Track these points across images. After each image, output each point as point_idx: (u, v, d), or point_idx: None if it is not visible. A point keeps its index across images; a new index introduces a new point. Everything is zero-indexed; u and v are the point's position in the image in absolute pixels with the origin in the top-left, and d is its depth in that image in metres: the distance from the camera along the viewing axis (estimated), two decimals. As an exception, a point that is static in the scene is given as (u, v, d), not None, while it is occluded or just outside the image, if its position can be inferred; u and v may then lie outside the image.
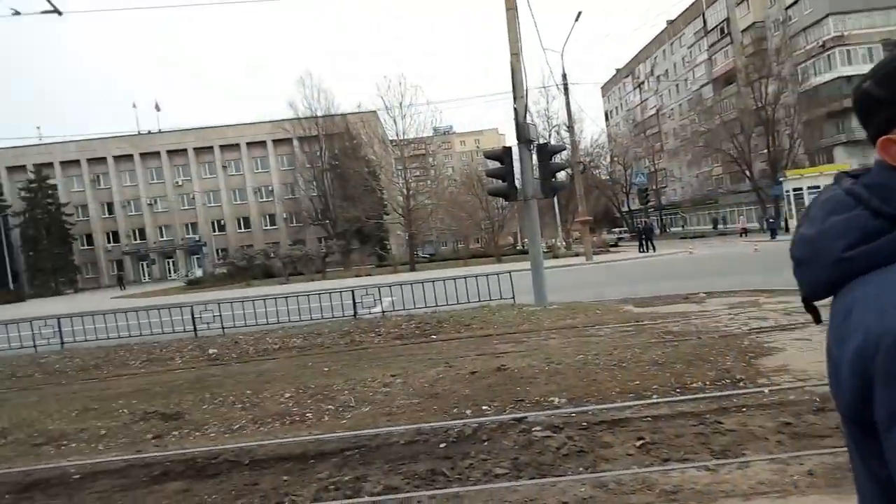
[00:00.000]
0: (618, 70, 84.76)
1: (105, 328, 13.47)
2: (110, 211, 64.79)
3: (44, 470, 4.83)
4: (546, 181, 12.86)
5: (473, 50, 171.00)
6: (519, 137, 12.65)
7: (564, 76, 31.05)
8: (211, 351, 10.74)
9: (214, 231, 64.82)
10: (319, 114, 54.23)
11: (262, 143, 63.99)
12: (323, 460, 4.49)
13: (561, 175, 14.97)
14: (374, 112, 45.42)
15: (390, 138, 43.75)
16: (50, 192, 58.68)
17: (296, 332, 11.73)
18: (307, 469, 4.34)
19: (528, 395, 5.72)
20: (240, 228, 65.16)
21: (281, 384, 7.21)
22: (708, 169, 60.20)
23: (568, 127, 34.71)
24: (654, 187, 69.42)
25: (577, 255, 35.74)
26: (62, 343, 12.97)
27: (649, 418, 4.77)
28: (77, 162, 63.41)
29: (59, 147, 60.61)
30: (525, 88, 12.72)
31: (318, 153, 54.88)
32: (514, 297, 13.12)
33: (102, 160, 63.68)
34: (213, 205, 64.86)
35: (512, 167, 12.81)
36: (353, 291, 13.68)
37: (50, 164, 61.47)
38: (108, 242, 64.80)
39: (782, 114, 44.34)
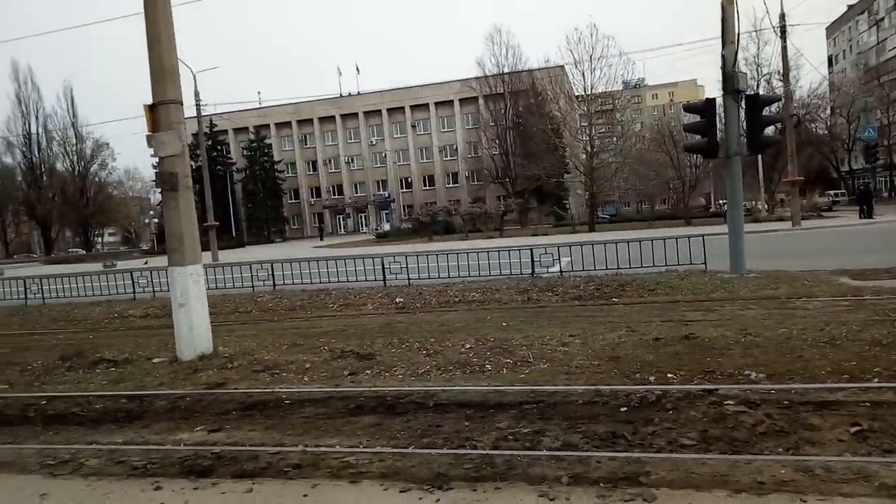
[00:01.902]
0: (850, 6, 73.05)
1: (309, 273, 15.01)
2: (314, 168, 71.47)
3: (262, 394, 5.53)
4: (754, 136, 11.66)
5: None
6: (725, 88, 11.55)
7: (783, 17, 27.44)
8: (398, 300, 11.47)
9: (402, 188, 68.67)
10: (506, 71, 54.12)
11: (450, 103, 65.84)
12: (502, 410, 4.59)
13: (770, 130, 13.40)
14: (562, 67, 44.17)
15: (577, 94, 42.37)
16: (266, 150, 66.25)
17: (475, 286, 12.06)
18: (487, 417, 4.47)
19: (719, 367, 5.31)
20: (425, 186, 68.26)
21: (462, 335, 7.48)
22: (964, 120, 50.24)
23: (782, 75, 30.82)
24: (885, 143, 59.55)
25: (780, 219, 32.21)
26: (274, 285, 14.69)
27: (868, 403, 4.17)
28: (289, 123, 70.60)
29: (275, 110, 67.78)
30: (736, 33, 11.50)
31: (503, 111, 55.11)
32: (705, 263, 12.20)
33: (309, 121, 70.18)
34: (402, 163, 68.58)
35: (714, 121, 11.86)
36: (531, 250, 13.69)
37: (267, 126, 69.16)
38: (312, 197, 71.74)
39: None
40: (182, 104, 7.49)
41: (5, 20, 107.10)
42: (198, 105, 34.04)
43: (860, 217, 29.97)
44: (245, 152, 66.02)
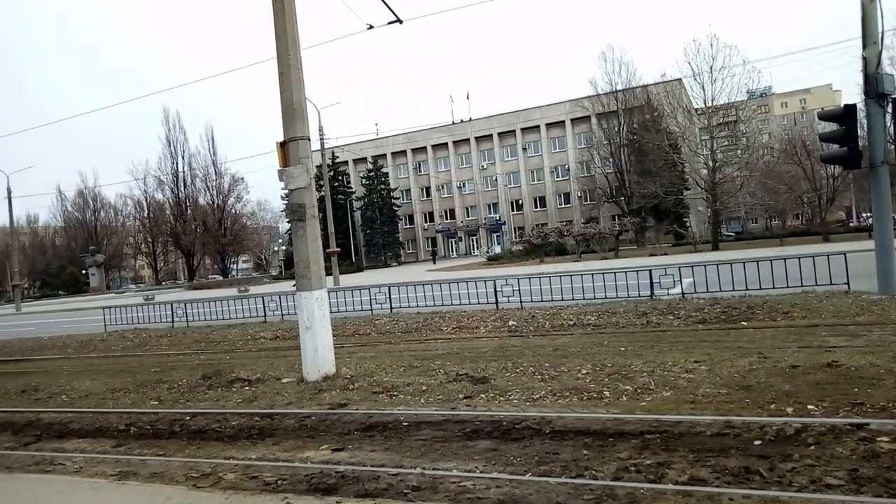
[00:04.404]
0: None
1: (423, 296, 15.35)
2: (427, 194, 73.40)
3: (381, 415, 5.70)
4: (905, 143, 10.59)
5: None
6: (868, 92, 10.62)
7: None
8: (511, 323, 11.42)
9: (513, 210, 68.74)
10: (620, 88, 53.03)
11: (561, 123, 65.36)
12: (622, 440, 4.42)
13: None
14: (680, 80, 42.55)
15: (696, 107, 40.53)
16: (383, 179, 68.99)
17: (590, 309, 11.76)
18: (606, 446, 4.33)
19: (869, 399, 4.81)
20: (536, 207, 67.87)
21: (577, 360, 7.31)
22: None
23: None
24: None
25: (939, 233, 28.71)
26: (391, 308, 15.15)
27: None
28: (403, 152, 73.24)
29: (391, 140, 70.69)
30: (880, 31, 10.57)
31: (617, 129, 53.89)
32: (848, 283, 11.14)
33: (423, 149, 72.40)
34: (512, 186, 68.76)
35: (855, 128, 10.91)
36: (649, 271, 13.16)
37: (383, 155, 72.15)
38: (425, 222, 73.59)
39: None
40: (309, 140, 8.02)
41: (156, 72, 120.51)
42: (321, 139, 36.22)
43: None
44: (363, 181, 69.14)
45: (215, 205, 73.22)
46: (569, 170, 65.19)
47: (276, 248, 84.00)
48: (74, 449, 5.73)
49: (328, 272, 28.72)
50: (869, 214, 22.94)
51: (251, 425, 5.87)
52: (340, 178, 67.79)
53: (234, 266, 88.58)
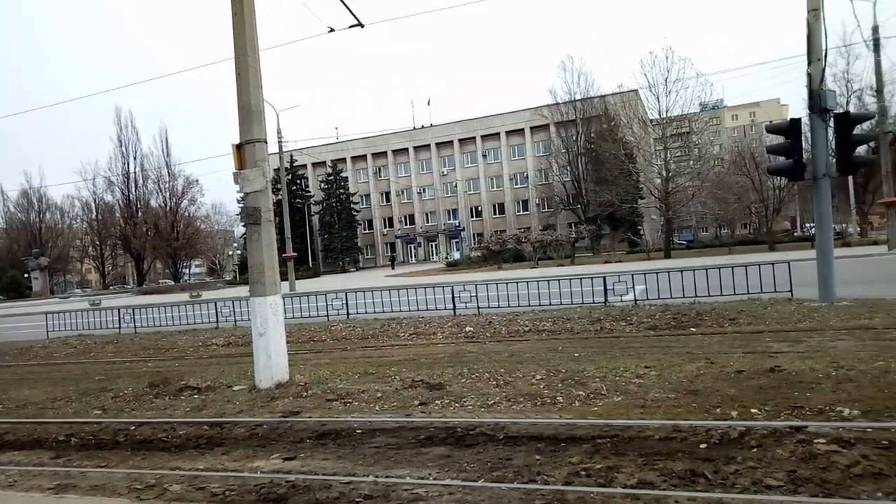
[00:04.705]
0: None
1: (381, 302, 15.27)
2: (387, 199, 73.12)
3: (335, 422, 5.62)
4: (844, 156, 11.11)
5: (755, 13, 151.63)
6: (812, 107, 11.08)
7: (875, 29, 26.20)
8: (468, 329, 11.46)
9: (472, 217, 69.09)
10: (578, 97, 54.00)
11: (520, 131, 66.11)
12: (574, 445, 4.47)
13: (862, 149, 12.83)
14: (636, 91, 43.60)
15: (651, 117, 41.60)
16: (342, 183, 68.41)
17: (545, 315, 11.91)
18: (558, 451, 4.37)
19: (808, 402, 4.99)
20: (495, 214, 68.41)
21: (532, 365, 7.37)
22: None
23: (875, 91, 29.24)
24: None
25: (875, 243, 30.22)
26: (348, 314, 15.01)
27: (983, 447, 3.80)
28: (364, 157, 72.81)
29: (351, 144, 70.17)
30: (824, 49, 11.05)
31: (575, 137, 54.84)
32: (791, 291, 11.56)
33: (383, 154, 72.11)
34: (472, 192, 69.14)
35: (800, 142, 11.38)
36: (604, 278, 13.40)
37: (343, 160, 71.57)
38: (384, 227, 73.28)
39: None
40: (266, 143, 7.89)
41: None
42: (280, 142, 35.70)
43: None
44: (322, 185, 68.44)
45: (168, 207, 71.14)
46: (527, 177, 65.96)
47: (230, 253, 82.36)
48: (9, 462, 5.47)
49: (284, 277, 28.29)
50: (812, 225, 23.97)
51: (199, 434, 5.71)
52: (299, 181, 66.96)
53: (187, 270, 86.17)
